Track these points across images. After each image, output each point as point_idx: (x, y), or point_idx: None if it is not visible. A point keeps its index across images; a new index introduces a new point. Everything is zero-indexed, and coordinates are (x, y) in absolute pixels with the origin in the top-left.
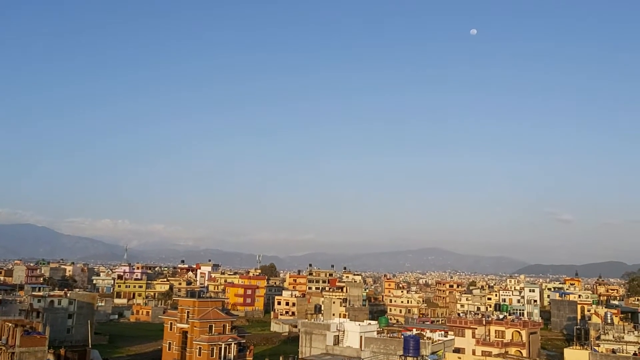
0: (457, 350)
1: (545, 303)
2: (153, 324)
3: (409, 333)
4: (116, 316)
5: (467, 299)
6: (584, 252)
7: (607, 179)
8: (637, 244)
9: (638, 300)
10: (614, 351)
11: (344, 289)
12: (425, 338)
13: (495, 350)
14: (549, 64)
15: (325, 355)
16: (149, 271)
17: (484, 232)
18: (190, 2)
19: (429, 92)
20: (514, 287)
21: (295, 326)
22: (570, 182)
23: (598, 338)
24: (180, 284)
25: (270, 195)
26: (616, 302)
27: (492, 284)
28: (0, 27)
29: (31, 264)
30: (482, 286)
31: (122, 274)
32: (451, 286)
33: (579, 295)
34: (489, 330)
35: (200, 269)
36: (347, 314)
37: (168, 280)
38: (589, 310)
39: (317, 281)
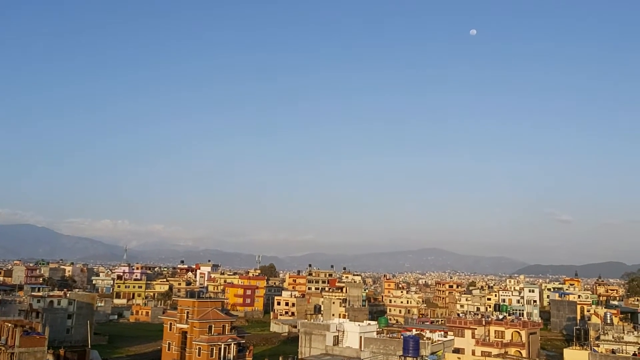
0: (457, 351)
1: (545, 303)
2: (152, 325)
3: (408, 333)
4: (116, 316)
5: (466, 300)
6: (584, 252)
7: (607, 180)
8: (637, 244)
9: (637, 300)
10: (613, 351)
11: (344, 290)
12: (424, 338)
13: (494, 351)
14: (548, 64)
15: (325, 356)
16: (149, 271)
17: (484, 232)
18: (190, 2)
19: (429, 92)
20: (514, 288)
21: (295, 326)
22: (570, 182)
23: (598, 338)
24: (179, 284)
25: (270, 195)
26: (616, 303)
27: (492, 285)
28: (0, 27)
29: (31, 264)
30: (482, 286)
31: (121, 274)
32: (451, 286)
33: (579, 296)
34: (489, 330)
35: (199, 269)
36: (346, 314)
37: (167, 281)
38: (588, 311)
39: (317, 281)
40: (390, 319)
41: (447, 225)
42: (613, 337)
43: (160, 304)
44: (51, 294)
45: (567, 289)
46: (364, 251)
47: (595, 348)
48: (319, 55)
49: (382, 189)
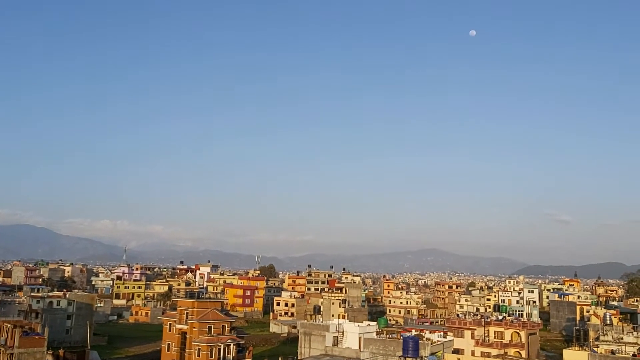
0: (456, 351)
1: (545, 304)
2: (152, 325)
3: (408, 334)
4: (115, 317)
5: (466, 300)
6: (583, 253)
7: (606, 180)
8: (636, 245)
9: (637, 301)
10: (613, 352)
11: (343, 290)
12: (424, 339)
13: (494, 351)
14: (548, 64)
15: (325, 356)
16: (148, 272)
17: (483, 233)
18: (190, 2)
19: (429, 92)
20: (513, 288)
21: (295, 327)
22: (569, 183)
23: (597, 339)
24: (179, 284)
25: (270, 195)
26: (615, 303)
27: (491, 285)
28: (0, 27)
29: (30, 265)
30: (481, 287)
31: (121, 274)
32: (450, 287)
33: (578, 296)
34: (488, 331)
35: (199, 269)
36: (346, 314)
37: (167, 281)
38: (588, 311)
39: (316, 282)
40: (389, 320)
41: (446, 226)
42: (612, 338)
43: (160, 305)
44: (51, 294)
45: (566, 290)
46: (364, 252)
47: (595, 349)
48: (319, 55)
49: (382, 189)
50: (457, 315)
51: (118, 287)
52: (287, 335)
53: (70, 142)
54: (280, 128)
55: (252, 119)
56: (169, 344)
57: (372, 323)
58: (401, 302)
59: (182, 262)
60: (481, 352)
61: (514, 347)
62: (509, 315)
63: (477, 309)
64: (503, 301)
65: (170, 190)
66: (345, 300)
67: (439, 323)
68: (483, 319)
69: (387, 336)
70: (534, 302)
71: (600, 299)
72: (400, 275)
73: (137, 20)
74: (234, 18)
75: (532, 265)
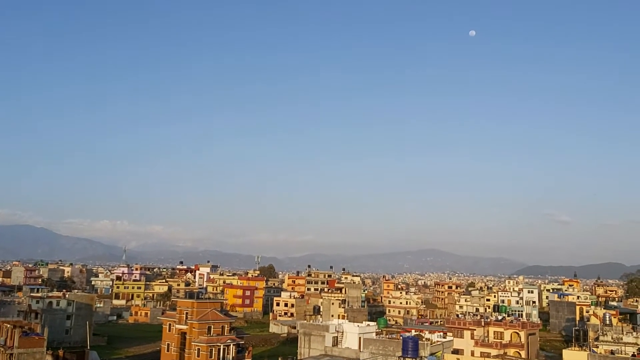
0: (456, 352)
1: (544, 304)
2: (152, 325)
3: (407, 334)
4: (115, 317)
5: (465, 300)
6: (583, 253)
7: (606, 180)
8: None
9: (636, 301)
10: (612, 352)
11: (343, 290)
12: (424, 339)
13: (494, 352)
14: (548, 65)
15: (324, 357)
16: (148, 272)
17: (483, 233)
18: (190, 3)
19: (429, 92)
20: (513, 288)
21: (294, 327)
22: (569, 183)
23: (597, 339)
24: (178, 285)
25: (270, 195)
26: (615, 303)
27: (491, 285)
28: (0, 27)
29: (30, 265)
30: (481, 287)
31: (120, 275)
32: (450, 287)
33: (578, 297)
34: (488, 331)
35: (199, 270)
36: (345, 315)
37: (167, 282)
38: (587, 312)
39: (316, 282)
40: (389, 320)
41: (446, 226)
42: (612, 338)
43: (160, 305)
44: (50, 294)
45: (566, 290)
46: (363, 252)
47: (594, 349)
48: (319, 55)
49: (382, 189)
50: (457, 315)
51: (118, 287)
52: (286, 335)
53: (70, 142)
54: (280, 128)
55: (252, 119)
56: (168, 344)
57: (371, 323)
58: (401, 303)
59: (181, 263)
60: (481, 352)
61: (513, 348)
62: (508, 316)
63: (477, 309)
64: (503, 301)
65: (170, 191)
66: (345, 300)
67: (439, 323)
68: (482, 319)
69: (387, 336)
70: (534, 302)
71: (600, 299)
72: (399, 275)
73: (137, 20)
74: (234, 18)
75: (532, 266)
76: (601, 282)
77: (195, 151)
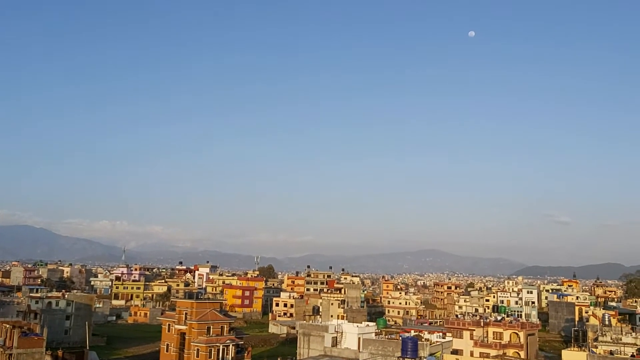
0: (455, 352)
1: (543, 304)
2: (151, 326)
3: (407, 334)
4: (114, 317)
5: (465, 301)
6: (582, 253)
7: (605, 181)
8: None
9: (635, 301)
10: (611, 353)
11: (342, 291)
12: (423, 339)
13: (493, 352)
14: (547, 65)
15: (324, 357)
16: (147, 272)
17: (482, 233)
18: (190, 3)
19: (429, 92)
20: (512, 289)
21: (294, 328)
22: (568, 184)
23: (596, 339)
24: (178, 285)
25: (269, 196)
26: (614, 304)
27: (490, 286)
28: (0, 27)
29: (29, 265)
30: (480, 288)
31: (120, 275)
32: (449, 288)
33: (577, 297)
34: (487, 331)
35: (198, 270)
36: (345, 315)
37: (166, 282)
38: (586, 312)
39: (315, 282)
40: (388, 320)
41: (445, 227)
42: (611, 339)
43: (159, 305)
44: (49, 295)
45: (565, 290)
46: (363, 252)
47: (594, 349)
48: (319, 55)
49: (382, 189)
50: (456, 315)
51: (117, 287)
52: (286, 335)
53: (70, 142)
54: (280, 128)
55: (252, 119)
56: (167, 344)
57: (371, 324)
58: (400, 303)
59: (181, 263)
60: (480, 352)
61: (512, 348)
62: (507, 316)
63: (476, 310)
64: (502, 302)
65: (169, 191)
66: (344, 300)
67: (438, 324)
68: (482, 320)
69: (386, 337)
70: (533, 302)
71: (599, 299)
72: (399, 275)
73: (137, 20)
74: (234, 18)
75: (531, 266)
76: (600, 282)
77: (195, 151)
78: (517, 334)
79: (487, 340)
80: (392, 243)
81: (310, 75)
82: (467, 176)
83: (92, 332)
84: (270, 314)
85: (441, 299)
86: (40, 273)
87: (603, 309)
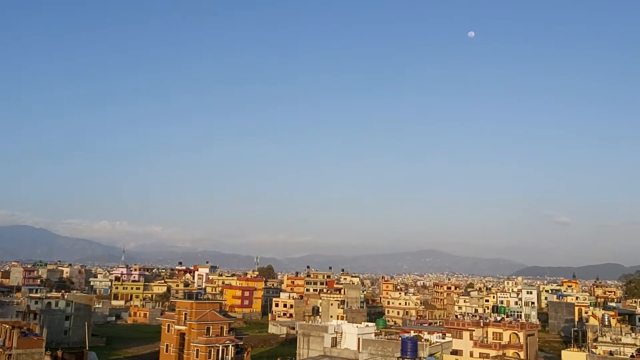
0: (455, 352)
1: (543, 305)
2: (150, 326)
3: (406, 335)
4: (113, 318)
5: (464, 301)
6: (582, 254)
7: (605, 181)
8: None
9: (635, 302)
10: (611, 353)
11: (342, 291)
12: (422, 340)
13: (492, 352)
14: (547, 65)
15: (323, 357)
16: (147, 273)
17: (482, 234)
18: (190, 3)
19: (429, 92)
20: (512, 289)
21: (293, 328)
22: (568, 184)
23: (595, 340)
24: (177, 285)
25: (269, 196)
26: (613, 304)
27: (490, 286)
28: (0, 27)
29: (28, 266)
30: (480, 288)
31: (119, 275)
32: (449, 288)
33: (577, 297)
34: (487, 332)
35: (197, 270)
36: (344, 315)
37: (165, 282)
38: (586, 312)
39: (315, 283)
40: (388, 321)
41: (445, 227)
42: (611, 339)
43: (158, 306)
44: (49, 295)
45: (565, 291)
46: (363, 253)
47: (593, 350)
48: (319, 55)
49: (382, 189)
50: (456, 316)
51: (116, 288)
52: (285, 336)
53: (70, 142)
54: (280, 128)
55: (252, 119)
56: (167, 345)
57: (370, 324)
58: (400, 303)
59: (180, 263)
60: (480, 353)
61: (512, 348)
62: (507, 316)
63: (476, 310)
64: (501, 302)
65: (169, 191)
66: (344, 301)
67: (438, 324)
68: (481, 320)
69: (386, 337)
70: (533, 303)
71: (599, 300)
72: (398, 276)
73: (137, 20)
74: (234, 18)
75: (531, 266)
76: (600, 283)
77: (195, 151)
78: (516, 334)
79: (487, 341)
80: (391, 243)
81: (310, 75)
82: (467, 176)
83: (92, 332)
84: (269, 315)
85: (441, 300)
86: (39, 273)
87: (603, 309)
